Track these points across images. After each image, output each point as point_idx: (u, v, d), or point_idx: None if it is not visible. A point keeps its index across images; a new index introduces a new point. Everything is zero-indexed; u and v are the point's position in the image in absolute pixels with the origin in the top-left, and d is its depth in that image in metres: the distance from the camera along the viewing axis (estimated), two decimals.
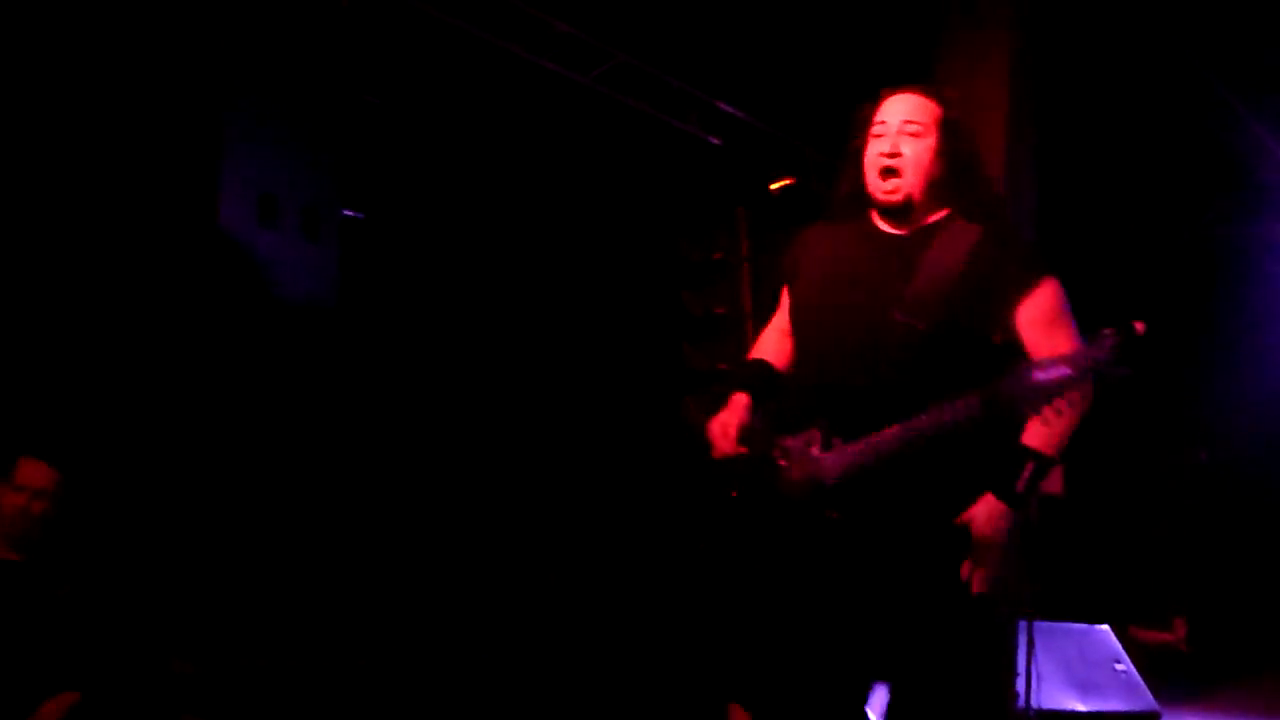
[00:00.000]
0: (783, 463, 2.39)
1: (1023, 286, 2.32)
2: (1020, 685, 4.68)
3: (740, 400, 2.50)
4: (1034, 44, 5.00)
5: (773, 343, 2.61)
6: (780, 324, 2.61)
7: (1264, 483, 7.73)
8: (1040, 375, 2.12)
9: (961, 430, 2.21)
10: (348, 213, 4.34)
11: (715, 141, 6.08)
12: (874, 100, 2.43)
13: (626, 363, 5.54)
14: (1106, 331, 2.09)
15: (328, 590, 3.78)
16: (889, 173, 2.37)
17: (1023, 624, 4.74)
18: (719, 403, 2.57)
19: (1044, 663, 4.84)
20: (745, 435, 2.44)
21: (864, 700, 2.48)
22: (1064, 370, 2.10)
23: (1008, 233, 2.43)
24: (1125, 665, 5.26)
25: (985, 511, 2.31)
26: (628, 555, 5.38)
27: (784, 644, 2.45)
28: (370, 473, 4.24)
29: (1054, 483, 7.68)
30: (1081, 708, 4.96)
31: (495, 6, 5.08)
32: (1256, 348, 7.64)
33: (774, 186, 6.28)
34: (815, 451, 2.37)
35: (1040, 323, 2.32)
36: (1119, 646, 5.30)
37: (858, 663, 2.43)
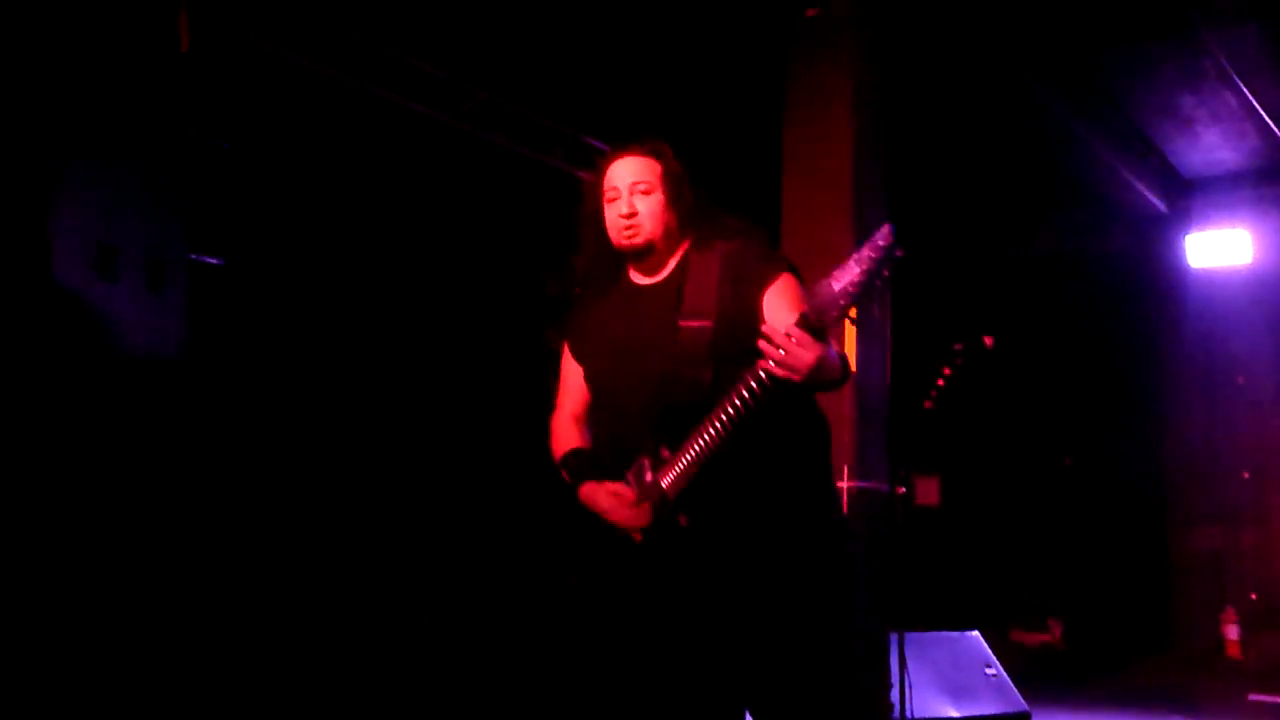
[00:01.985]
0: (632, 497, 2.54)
1: (766, 278, 2.53)
2: (895, 696, 4.82)
3: (592, 485, 2.64)
4: (876, 76, 5.18)
5: (570, 429, 2.78)
6: (569, 412, 2.80)
7: (1126, 482, 8.06)
8: (834, 283, 2.24)
9: (756, 400, 2.35)
10: (203, 259, 4.31)
11: (583, 176, 6.17)
12: (600, 168, 2.67)
13: (490, 398, 5.57)
14: (881, 228, 2.22)
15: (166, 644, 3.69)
16: (629, 229, 2.60)
17: (894, 636, 4.87)
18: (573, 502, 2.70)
19: (917, 672, 4.98)
20: (638, 492, 2.56)
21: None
22: (852, 272, 2.22)
23: (745, 240, 2.65)
24: (995, 669, 5.41)
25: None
26: (495, 605, 5.40)
27: (656, 672, 2.55)
28: (220, 538, 4.16)
29: (930, 495, 7.94)
30: (955, 714, 5.10)
31: (353, 48, 5.12)
32: (1112, 355, 7.99)
33: None
34: (649, 476, 2.53)
35: (782, 305, 2.50)
36: (988, 651, 5.46)
37: (728, 680, 2.52)
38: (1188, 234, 7.79)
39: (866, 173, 5.14)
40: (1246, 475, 8.04)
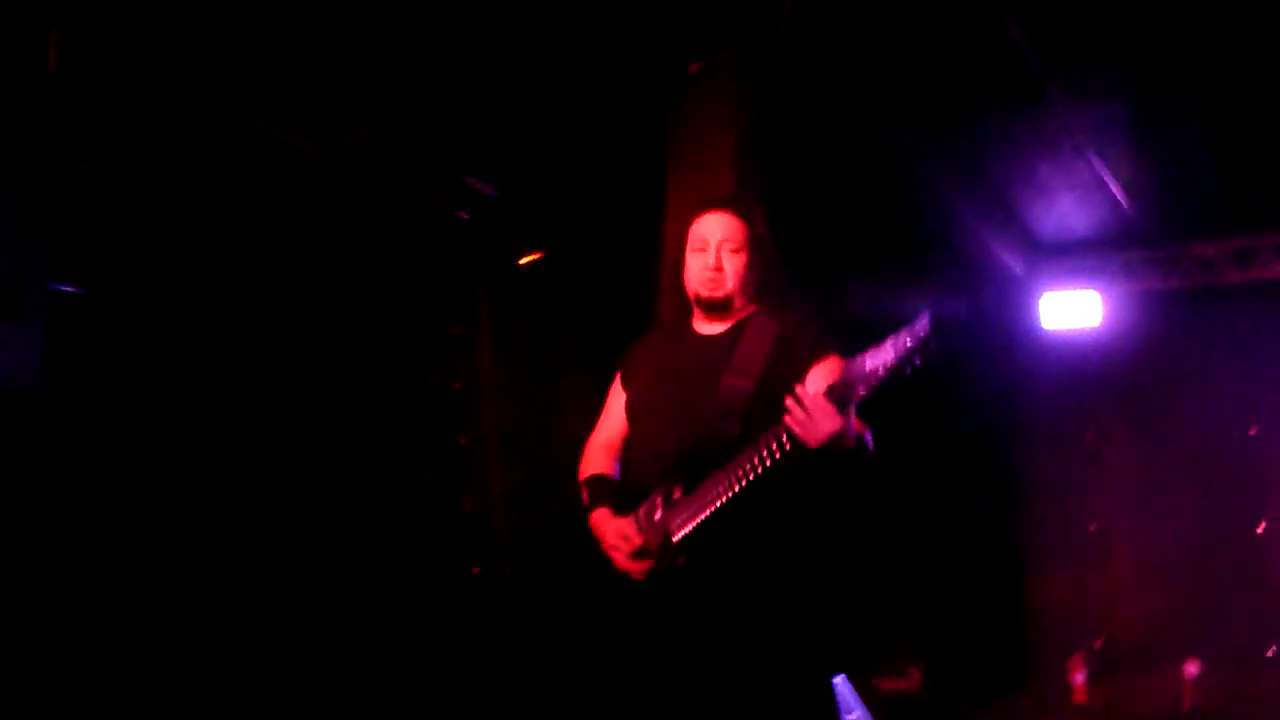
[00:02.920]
0: (639, 530, 2.65)
1: (814, 356, 2.67)
2: None
3: (605, 514, 2.76)
4: (757, 130, 5.30)
5: (600, 455, 2.92)
6: (604, 439, 2.93)
7: (984, 534, 8.33)
8: (867, 361, 2.32)
9: (772, 457, 2.44)
10: (63, 288, 4.12)
11: (463, 216, 6.13)
12: (690, 217, 2.85)
13: (366, 438, 5.45)
14: (920, 315, 2.30)
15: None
16: (713, 282, 2.77)
17: None
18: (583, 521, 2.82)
19: None
20: (641, 530, 2.67)
21: None
22: (887, 354, 2.29)
23: (806, 317, 2.81)
24: (859, 713, 5.49)
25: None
26: (382, 634, 5.24)
27: (637, 702, 2.64)
28: (82, 564, 3.97)
29: None
30: None
31: (230, 76, 4.99)
32: (971, 410, 8.26)
33: (523, 261, 6.37)
34: (659, 514, 2.65)
35: (821, 381, 2.57)
36: (853, 696, 5.53)
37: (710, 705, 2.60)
38: (1041, 296, 8.15)
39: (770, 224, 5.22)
40: (1093, 528, 8.40)
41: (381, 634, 5.11)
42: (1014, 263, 8.06)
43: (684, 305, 2.87)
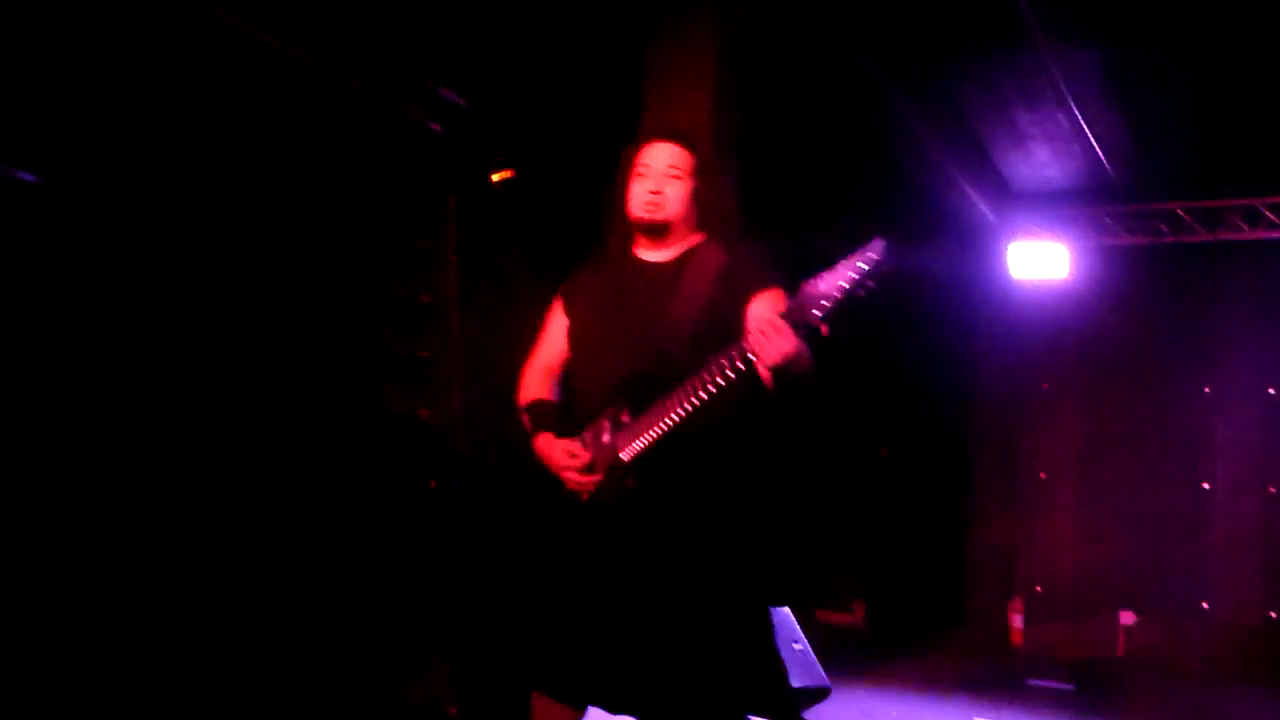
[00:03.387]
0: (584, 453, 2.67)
1: (757, 286, 2.68)
2: None
3: (549, 437, 2.78)
4: (735, 60, 5.23)
5: (540, 380, 2.93)
6: (543, 363, 2.94)
7: (935, 476, 8.46)
8: (821, 283, 2.34)
9: (724, 376, 2.46)
10: (21, 175, 4.04)
11: (436, 128, 6.03)
12: (636, 145, 2.83)
13: (326, 347, 5.41)
14: (873, 240, 2.33)
15: None
16: (651, 205, 2.76)
17: None
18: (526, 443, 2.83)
19: None
20: (589, 449, 2.69)
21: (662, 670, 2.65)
22: (841, 275, 2.31)
23: (751, 249, 2.80)
24: (802, 645, 5.60)
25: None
26: (330, 549, 5.26)
27: (581, 620, 2.67)
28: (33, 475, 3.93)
29: None
30: None
31: None
32: (933, 354, 8.34)
33: (495, 178, 6.29)
34: (606, 437, 2.67)
35: (765, 309, 2.59)
36: (797, 628, 5.64)
37: (652, 633, 2.64)
38: (1010, 244, 8.18)
39: (720, 152, 5.19)
40: (1043, 476, 8.55)
41: (334, 543, 5.14)
42: (985, 209, 8.07)
43: (627, 232, 2.84)
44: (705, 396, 2.49)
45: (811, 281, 2.35)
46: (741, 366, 2.44)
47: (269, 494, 5.06)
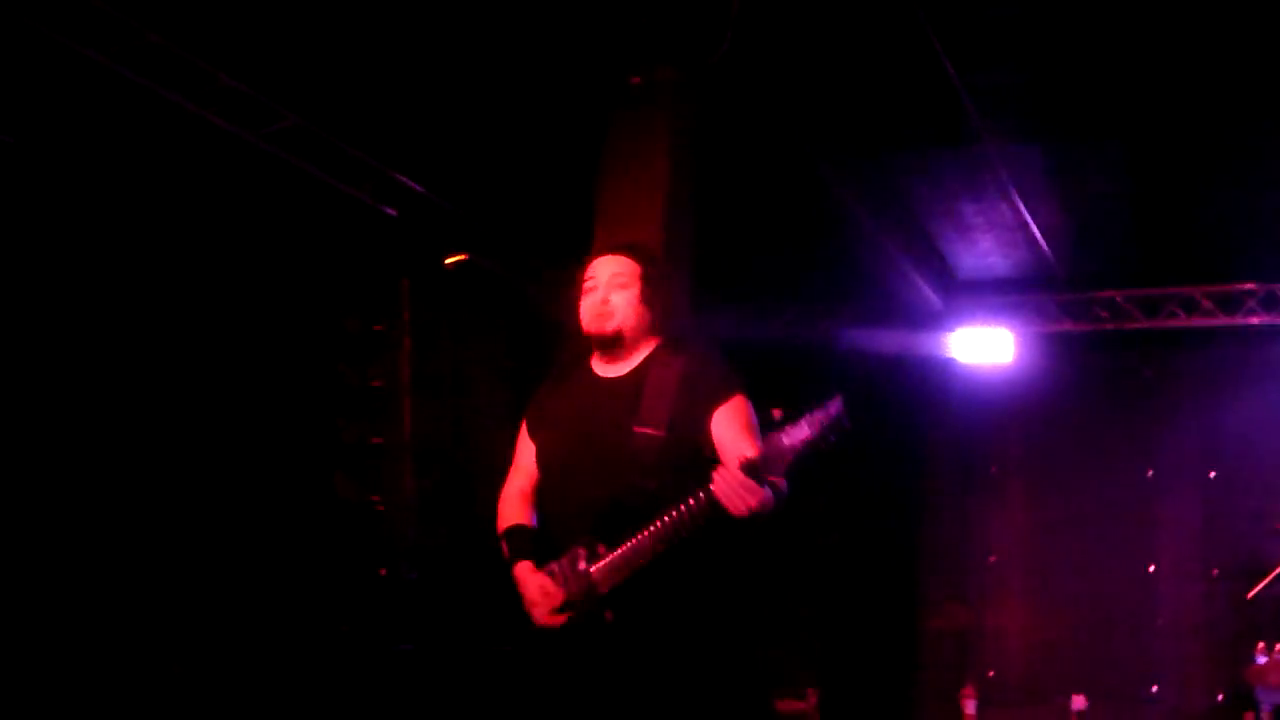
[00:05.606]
0: (560, 584, 2.72)
1: (719, 398, 2.71)
2: None
3: (528, 568, 2.80)
4: (689, 150, 5.31)
5: (517, 505, 2.94)
6: (517, 488, 2.95)
7: (886, 562, 8.46)
8: (785, 438, 2.44)
9: (696, 521, 2.56)
10: None
11: (390, 212, 6.04)
12: (584, 262, 2.91)
13: (277, 433, 5.32)
14: (833, 399, 2.45)
15: None
16: (600, 316, 2.82)
17: None
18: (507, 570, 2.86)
19: None
20: (564, 583, 2.73)
21: None
22: (803, 432, 2.42)
23: (707, 355, 2.84)
24: None
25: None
26: (283, 633, 5.12)
27: None
28: None
29: None
30: None
31: (159, 55, 4.85)
32: (883, 439, 8.40)
33: (449, 261, 6.30)
34: (582, 565, 2.70)
35: (731, 428, 2.69)
36: None
37: None
38: (956, 330, 8.32)
39: (674, 244, 5.23)
40: (992, 560, 8.59)
41: (285, 631, 5.01)
42: (933, 295, 8.21)
43: (585, 349, 2.89)
44: (675, 536, 2.58)
45: (776, 435, 2.44)
46: (710, 513, 2.54)
47: (217, 580, 4.93)
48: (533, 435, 2.94)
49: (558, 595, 2.72)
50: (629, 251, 2.91)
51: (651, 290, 2.84)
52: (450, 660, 5.03)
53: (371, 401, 5.52)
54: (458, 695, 4.93)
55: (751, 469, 2.45)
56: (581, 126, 5.44)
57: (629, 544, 2.64)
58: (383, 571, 5.01)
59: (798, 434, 2.41)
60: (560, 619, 2.71)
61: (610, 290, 2.81)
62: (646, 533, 2.61)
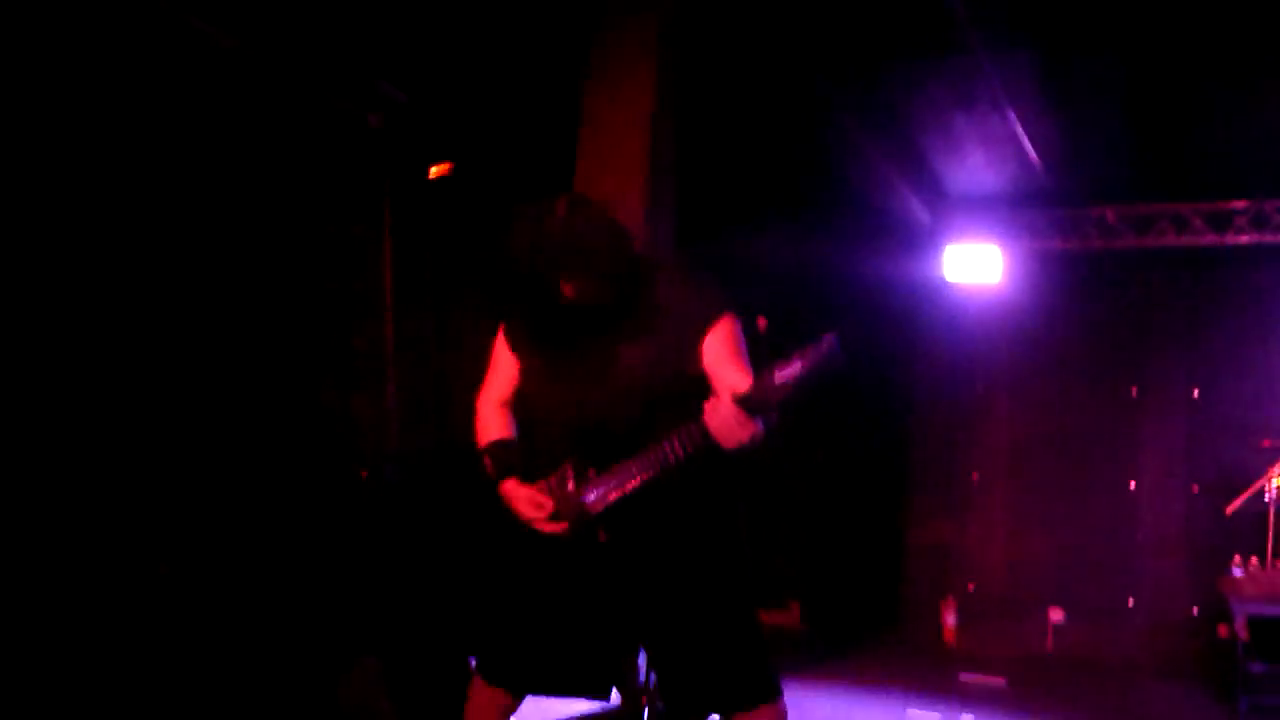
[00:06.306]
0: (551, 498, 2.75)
1: (708, 320, 2.72)
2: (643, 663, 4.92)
3: (514, 483, 2.82)
4: (676, 61, 5.25)
5: (496, 416, 2.94)
6: (496, 395, 2.95)
7: (870, 478, 8.52)
8: (778, 374, 2.45)
9: (687, 451, 2.60)
10: None
11: (374, 121, 5.96)
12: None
13: (256, 338, 5.31)
14: (825, 336, 2.47)
15: None
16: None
17: None
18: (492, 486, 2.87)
19: None
20: (555, 500, 2.77)
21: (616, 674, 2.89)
22: (796, 368, 2.44)
23: (694, 275, 2.82)
24: None
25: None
26: (259, 543, 5.17)
27: (546, 623, 2.81)
28: None
29: None
30: None
31: None
32: (871, 357, 8.41)
33: (433, 172, 6.23)
34: (571, 486, 2.75)
35: (722, 355, 2.70)
36: None
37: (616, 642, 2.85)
38: (946, 247, 8.29)
39: (660, 160, 5.20)
40: (975, 476, 8.67)
41: (263, 536, 5.05)
42: (922, 211, 8.17)
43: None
44: (668, 464, 2.62)
45: (769, 371, 2.45)
46: (701, 444, 2.56)
47: (197, 486, 4.96)
48: (514, 349, 2.92)
49: (549, 505, 2.76)
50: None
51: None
52: (435, 569, 5.09)
53: (353, 305, 5.52)
54: (444, 598, 4.99)
55: (745, 403, 2.47)
56: (569, 35, 5.36)
57: (619, 469, 2.67)
58: (364, 474, 5.04)
59: (789, 369, 2.43)
60: (560, 526, 2.75)
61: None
62: (637, 459, 2.64)
